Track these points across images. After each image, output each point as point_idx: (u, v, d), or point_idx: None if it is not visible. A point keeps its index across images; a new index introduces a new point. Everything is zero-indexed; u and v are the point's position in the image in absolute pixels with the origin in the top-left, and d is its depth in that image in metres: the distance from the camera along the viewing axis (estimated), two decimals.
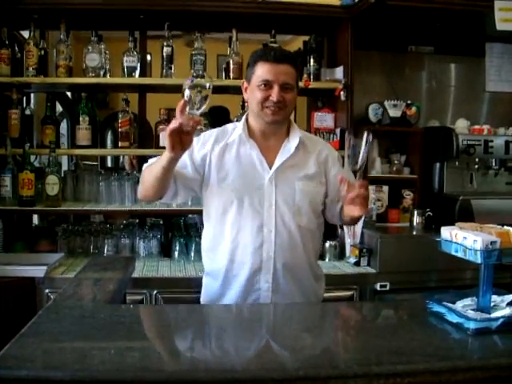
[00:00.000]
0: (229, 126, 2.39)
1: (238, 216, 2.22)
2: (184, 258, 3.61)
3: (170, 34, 3.77)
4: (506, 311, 1.68)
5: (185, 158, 2.16)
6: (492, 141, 3.95)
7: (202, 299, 2.39)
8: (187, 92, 1.86)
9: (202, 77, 2.00)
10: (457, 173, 4.08)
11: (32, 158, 3.72)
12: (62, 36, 3.67)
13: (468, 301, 1.78)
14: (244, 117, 2.34)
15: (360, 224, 3.61)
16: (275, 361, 1.45)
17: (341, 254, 3.74)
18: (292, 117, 4.82)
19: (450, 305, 1.72)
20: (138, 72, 3.75)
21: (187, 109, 1.84)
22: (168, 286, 3.22)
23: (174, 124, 1.84)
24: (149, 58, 4.02)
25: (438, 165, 4.07)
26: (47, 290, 3.12)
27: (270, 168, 2.24)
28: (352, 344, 1.64)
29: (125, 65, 3.72)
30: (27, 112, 3.87)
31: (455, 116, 4.39)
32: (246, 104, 3.66)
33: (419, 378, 1.36)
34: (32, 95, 4.29)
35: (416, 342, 1.54)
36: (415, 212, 3.83)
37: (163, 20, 3.75)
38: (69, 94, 4.63)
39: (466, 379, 1.40)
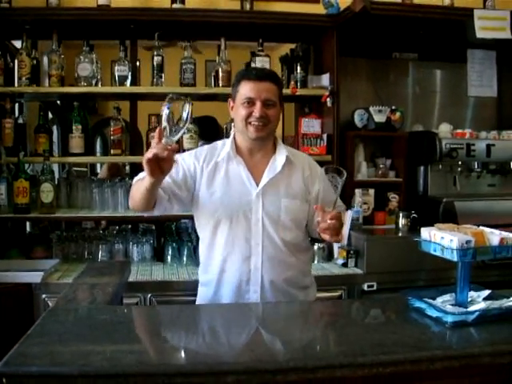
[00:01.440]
0: (218, 142, 2.48)
1: (228, 230, 2.32)
2: (176, 262, 3.69)
3: (160, 44, 3.86)
4: (482, 305, 1.79)
5: (181, 171, 2.29)
6: (474, 144, 4.07)
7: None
8: (164, 117, 1.91)
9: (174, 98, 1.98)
10: (440, 176, 4.20)
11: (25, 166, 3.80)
12: (53, 46, 3.74)
13: (447, 297, 1.89)
14: (232, 135, 2.45)
15: (347, 227, 3.71)
16: (267, 353, 1.56)
17: (329, 256, 3.84)
18: (280, 123, 4.95)
19: (430, 300, 1.83)
20: (129, 81, 3.83)
21: (164, 136, 1.90)
22: (162, 289, 3.30)
23: (149, 154, 1.90)
24: (137, 63, 4.11)
25: (422, 168, 4.19)
26: (44, 296, 3.19)
27: (257, 184, 2.34)
28: (338, 338, 1.74)
29: (116, 74, 3.79)
30: (20, 121, 3.94)
31: (439, 120, 4.51)
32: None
33: (400, 367, 1.47)
34: (24, 104, 4.36)
35: (397, 335, 1.65)
36: (400, 214, 3.93)
37: (153, 30, 3.84)
38: (58, 101, 4.70)
39: (443, 368, 1.50)
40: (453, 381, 1.57)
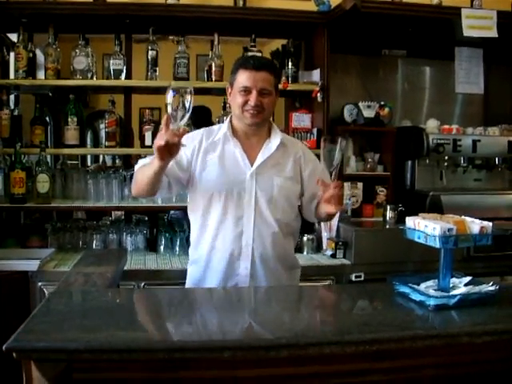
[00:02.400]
0: (215, 126, 2.60)
1: (221, 207, 2.41)
2: (169, 252, 3.79)
3: (154, 38, 3.93)
4: (462, 290, 1.90)
5: (180, 154, 2.33)
6: (460, 140, 4.18)
7: (186, 285, 2.58)
8: (170, 106, 2.00)
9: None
10: (427, 170, 4.32)
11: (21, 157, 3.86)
12: (50, 39, 3.80)
13: (431, 282, 1.99)
14: (228, 118, 2.54)
15: (336, 219, 3.82)
16: (261, 332, 1.67)
17: (318, 247, 3.93)
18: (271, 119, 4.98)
19: (414, 286, 1.93)
20: (124, 74, 3.90)
21: (171, 123, 2.00)
22: (155, 277, 3.39)
23: (160, 141, 2.01)
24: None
25: (409, 162, 4.30)
26: (40, 283, 3.26)
27: (252, 165, 2.44)
28: (327, 319, 1.86)
29: (111, 68, 3.86)
30: (16, 113, 4.00)
31: (427, 116, 4.60)
32: (227, 105, 3.88)
33: (385, 345, 1.57)
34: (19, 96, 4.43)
35: (383, 316, 1.75)
36: (388, 207, 4.04)
37: (148, 24, 3.91)
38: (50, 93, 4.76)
39: (425, 346, 1.61)
40: (434, 359, 1.67)
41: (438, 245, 1.84)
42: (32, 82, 3.81)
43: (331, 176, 2.22)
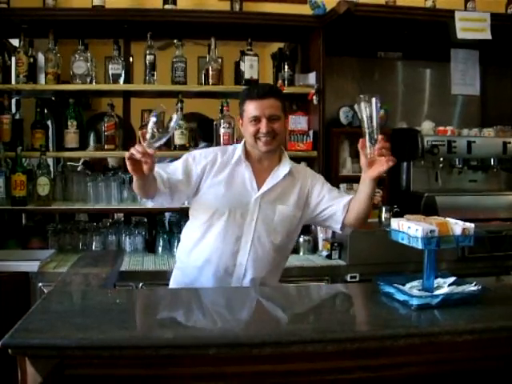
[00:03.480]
0: (229, 147, 2.66)
1: (223, 225, 2.48)
2: (167, 253, 3.86)
3: (152, 43, 4.00)
4: (446, 290, 1.95)
5: (190, 166, 2.49)
6: (455, 141, 4.23)
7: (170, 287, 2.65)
8: (150, 124, 2.06)
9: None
10: (423, 171, 4.37)
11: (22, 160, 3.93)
12: (50, 45, 3.87)
13: (415, 283, 2.04)
14: (243, 142, 2.60)
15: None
16: (245, 330, 1.74)
17: (314, 248, 4.00)
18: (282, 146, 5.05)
19: (398, 285, 1.98)
20: (122, 78, 3.97)
21: (146, 140, 2.05)
22: (152, 278, 3.45)
23: (128, 153, 2.08)
24: (131, 59, 4.25)
25: (405, 164, 4.35)
26: (40, 284, 3.33)
27: (258, 189, 2.51)
28: (311, 317, 1.92)
29: (110, 72, 3.94)
30: (17, 117, 4.07)
31: (424, 118, 4.66)
32: (225, 109, 3.95)
33: (366, 343, 1.63)
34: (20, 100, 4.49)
35: (366, 315, 1.82)
36: (383, 208, 4.08)
37: (146, 30, 3.97)
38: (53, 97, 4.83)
39: (406, 345, 1.66)
40: (416, 357, 1.72)
41: (420, 246, 1.89)
42: (33, 87, 3.88)
43: (373, 136, 2.19)
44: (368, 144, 2.20)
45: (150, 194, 2.38)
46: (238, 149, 2.56)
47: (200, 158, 2.54)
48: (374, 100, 2.19)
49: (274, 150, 2.51)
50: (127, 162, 2.10)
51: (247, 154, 2.56)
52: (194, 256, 2.55)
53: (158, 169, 2.36)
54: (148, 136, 2.05)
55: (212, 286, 2.46)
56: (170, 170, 2.49)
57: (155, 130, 2.05)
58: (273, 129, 2.42)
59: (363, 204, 2.49)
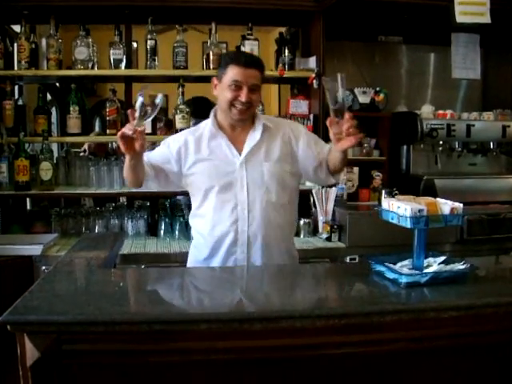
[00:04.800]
0: (200, 124, 2.68)
1: (216, 198, 2.52)
2: (169, 236, 3.92)
3: (153, 28, 4.03)
4: (434, 268, 1.99)
5: (166, 153, 2.55)
6: (454, 125, 4.26)
7: (188, 264, 2.70)
8: (138, 103, 2.14)
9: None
10: (423, 155, 4.41)
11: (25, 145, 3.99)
12: (51, 31, 3.91)
13: (406, 262, 2.08)
14: (212, 112, 2.61)
15: (331, 203, 3.93)
16: (236, 306, 1.80)
17: (314, 231, 4.03)
18: (276, 104, 5.12)
19: (388, 264, 2.03)
20: (123, 64, 4.01)
21: (136, 119, 2.14)
22: (154, 260, 3.50)
23: (119, 132, 2.18)
24: (135, 45, 4.28)
25: (404, 147, 4.39)
26: (44, 267, 3.38)
27: (240, 154, 2.53)
28: (301, 294, 1.97)
29: (111, 57, 3.98)
30: (20, 102, 4.12)
31: (425, 102, 4.69)
32: None
33: (353, 319, 1.68)
34: (23, 86, 4.54)
35: (355, 292, 1.87)
36: (383, 191, 4.10)
37: (147, 14, 4.00)
38: (57, 83, 4.88)
39: (393, 321, 1.71)
40: (403, 333, 1.77)
41: (409, 225, 1.93)
42: (34, 73, 3.92)
43: (339, 112, 2.23)
44: (337, 120, 2.24)
45: (140, 178, 2.47)
46: (209, 122, 2.59)
47: (173, 142, 2.59)
48: (338, 77, 2.20)
49: (245, 119, 2.53)
50: (119, 142, 2.19)
51: (219, 124, 2.58)
52: (200, 231, 2.61)
53: (144, 156, 2.45)
54: (137, 114, 2.13)
55: (223, 260, 2.51)
56: (152, 156, 2.57)
57: (143, 109, 2.13)
58: (251, 99, 2.43)
59: (339, 164, 2.53)
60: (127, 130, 2.15)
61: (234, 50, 4.27)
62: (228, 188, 2.51)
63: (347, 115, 2.21)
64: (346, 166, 4.11)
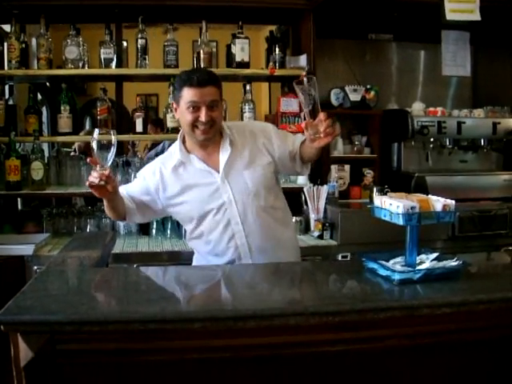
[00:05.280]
0: (170, 149, 2.64)
1: (207, 221, 2.51)
2: (161, 235, 3.91)
3: (143, 27, 4.02)
4: (427, 265, 2.00)
5: (144, 185, 2.55)
6: (445, 122, 4.29)
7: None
8: (95, 148, 2.16)
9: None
10: (413, 152, 4.44)
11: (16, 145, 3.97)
12: (41, 30, 3.89)
13: (399, 259, 2.09)
14: (179, 138, 2.57)
15: (323, 200, 3.93)
16: (230, 304, 1.81)
17: (306, 229, 4.04)
18: (267, 103, 5.09)
19: (381, 261, 2.03)
20: (114, 63, 4.00)
21: (98, 164, 2.17)
22: (146, 259, 3.50)
23: (88, 182, 2.19)
24: (125, 44, 4.28)
25: (395, 145, 4.42)
26: (35, 267, 3.38)
27: (218, 171, 2.50)
28: (294, 292, 1.98)
29: (102, 57, 3.97)
30: (10, 102, 4.11)
31: (416, 99, 4.71)
32: None
33: (347, 316, 1.68)
34: (13, 86, 4.52)
35: (348, 290, 1.87)
36: (374, 189, 4.12)
37: (137, 13, 4.00)
38: (47, 83, 4.86)
39: (386, 318, 1.71)
40: (397, 330, 1.77)
41: (401, 222, 1.94)
42: (25, 72, 3.90)
43: (314, 114, 2.19)
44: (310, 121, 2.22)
45: (122, 214, 2.49)
46: (177, 147, 2.54)
47: (149, 175, 2.56)
48: (312, 79, 2.22)
49: (211, 138, 2.47)
50: (92, 190, 2.22)
51: (188, 147, 2.54)
52: (202, 251, 2.61)
53: (122, 190, 2.49)
54: (98, 160, 2.16)
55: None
56: (131, 190, 2.57)
57: (102, 152, 2.16)
58: (212, 117, 2.38)
59: (313, 156, 2.52)
60: (94, 178, 2.17)
61: (221, 50, 4.29)
62: (217, 209, 2.49)
63: (322, 115, 2.18)
64: (337, 163, 4.24)
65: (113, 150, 2.17)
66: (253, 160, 2.53)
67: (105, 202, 2.38)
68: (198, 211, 2.49)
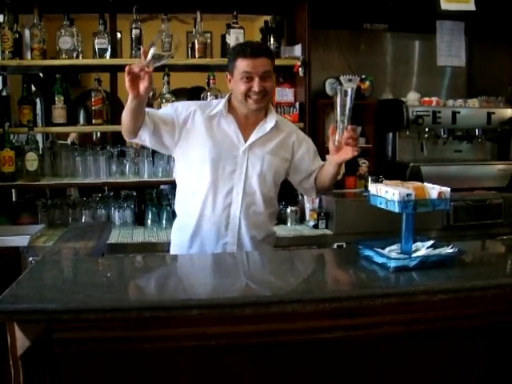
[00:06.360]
0: (212, 101, 2.75)
1: (213, 178, 2.54)
2: (156, 226, 3.92)
3: (138, 17, 4.00)
4: (423, 252, 2.01)
5: (172, 114, 2.56)
6: (440, 112, 4.28)
7: (172, 251, 2.72)
8: (151, 51, 2.18)
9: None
10: (408, 142, 4.43)
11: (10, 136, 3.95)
12: (35, 20, 3.87)
13: (395, 246, 2.09)
14: (227, 96, 2.64)
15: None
16: (227, 291, 1.80)
17: (301, 218, 4.06)
18: None
19: (377, 249, 2.04)
20: (108, 53, 3.98)
21: (149, 56, 2.16)
22: (142, 250, 3.50)
23: (129, 66, 2.18)
24: (119, 35, 4.26)
25: (390, 135, 4.41)
26: (31, 258, 3.37)
27: (245, 141, 2.58)
28: (291, 279, 1.98)
29: (96, 47, 3.95)
30: (4, 93, 4.09)
31: (411, 89, 4.70)
32: (211, 82, 3.99)
33: (344, 303, 1.69)
34: (7, 77, 4.50)
35: (345, 276, 1.88)
36: (369, 178, 4.13)
37: (131, 3, 3.98)
38: (41, 74, 4.83)
39: (382, 304, 1.72)
40: (393, 316, 1.78)
41: (397, 209, 1.94)
42: (19, 63, 3.88)
43: (344, 125, 2.38)
44: (338, 131, 2.39)
45: (137, 125, 2.44)
46: (221, 103, 2.61)
47: (182, 108, 2.60)
48: (349, 91, 2.34)
49: (263, 108, 2.57)
50: (126, 78, 2.19)
51: (232, 108, 2.61)
52: (189, 213, 2.61)
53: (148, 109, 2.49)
54: (149, 57, 2.17)
55: (210, 243, 2.55)
56: (155, 113, 2.59)
57: (154, 55, 2.17)
58: (264, 88, 2.47)
59: (328, 181, 2.69)
60: (135, 67, 2.16)
61: (219, 39, 4.28)
62: (227, 170, 2.55)
63: (350, 127, 2.35)
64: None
65: (162, 62, 2.22)
66: (278, 150, 2.63)
67: (127, 104, 2.34)
68: (212, 156, 2.53)
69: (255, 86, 2.45)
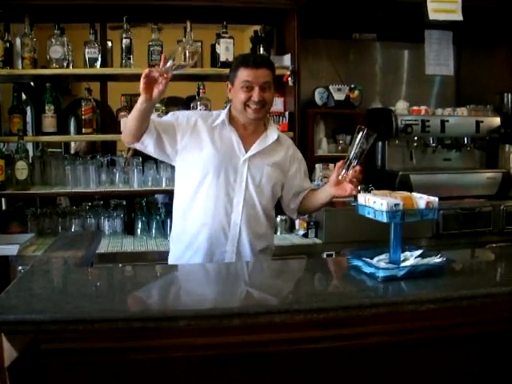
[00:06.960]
0: (213, 112, 2.77)
1: (213, 187, 2.56)
2: (146, 235, 3.91)
3: (128, 27, 4.01)
4: (411, 262, 2.02)
5: (172, 123, 2.57)
6: (429, 120, 4.31)
7: (170, 258, 2.72)
8: (169, 62, 2.22)
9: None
10: (398, 151, 4.45)
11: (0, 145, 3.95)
12: (26, 30, 3.87)
13: (383, 256, 2.10)
14: (228, 107, 2.68)
15: None
16: (214, 302, 1.81)
17: (291, 227, 4.07)
18: None
19: (365, 259, 2.05)
20: (99, 63, 3.99)
21: (168, 64, 2.20)
22: (132, 259, 3.50)
23: (148, 69, 2.22)
24: (110, 44, 4.26)
25: (380, 143, 4.42)
26: (20, 267, 3.37)
27: (246, 152, 2.60)
28: (279, 289, 1.97)
29: (87, 56, 3.96)
30: None
31: (398, 98, 4.73)
32: (201, 91, 3.99)
33: (332, 313, 1.69)
34: None
35: (333, 287, 1.89)
36: (359, 187, 4.12)
37: (122, 13, 3.99)
38: (32, 83, 4.83)
39: (371, 315, 1.72)
40: (381, 327, 1.79)
41: (385, 219, 1.96)
42: (9, 72, 3.88)
43: (352, 164, 2.43)
44: (345, 167, 2.44)
45: (142, 129, 2.45)
46: (223, 113, 2.64)
47: (183, 118, 2.62)
48: (371, 138, 2.44)
49: (261, 118, 2.60)
50: (142, 81, 2.22)
51: (232, 119, 2.63)
52: (188, 221, 2.62)
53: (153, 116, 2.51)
54: (168, 64, 2.21)
55: (209, 251, 2.56)
56: (160, 120, 2.62)
57: (173, 63, 2.22)
58: (263, 98, 2.50)
59: (314, 207, 2.79)
60: (155, 70, 2.20)
61: (206, 50, 4.30)
62: (228, 178, 2.57)
63: (358, 167, 2.41)
64: (322, 162, 4.25)
65: (182, 70, 2.28)
66: (278, 163, 2.67)
67: (136, 106, 2.34)
68: (211, 163, 2.55)
69: (255, 96, 2.48)
